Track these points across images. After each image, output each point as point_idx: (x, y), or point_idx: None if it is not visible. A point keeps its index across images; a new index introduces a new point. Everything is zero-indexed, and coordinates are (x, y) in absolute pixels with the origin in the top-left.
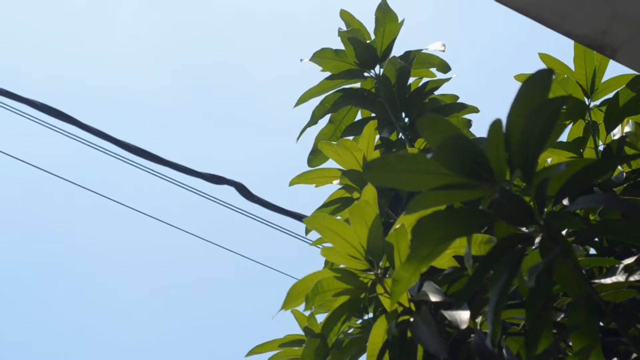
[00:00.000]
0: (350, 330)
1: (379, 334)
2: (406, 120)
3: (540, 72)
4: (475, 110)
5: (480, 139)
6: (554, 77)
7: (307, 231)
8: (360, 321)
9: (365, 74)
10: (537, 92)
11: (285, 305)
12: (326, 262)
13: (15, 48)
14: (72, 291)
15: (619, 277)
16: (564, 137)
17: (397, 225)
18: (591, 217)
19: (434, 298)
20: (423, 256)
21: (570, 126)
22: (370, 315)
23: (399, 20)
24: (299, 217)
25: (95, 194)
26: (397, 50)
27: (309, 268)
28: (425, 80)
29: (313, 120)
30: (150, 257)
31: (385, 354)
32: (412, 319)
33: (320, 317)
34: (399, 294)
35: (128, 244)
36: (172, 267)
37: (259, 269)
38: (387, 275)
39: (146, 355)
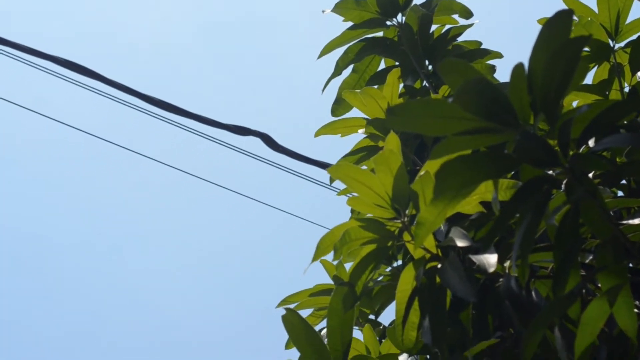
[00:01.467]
0: (380, 279)
1: (407, 280)
2: (430, 67)
3: (560, 13)
4: (499, 55)
5: (504, 84)
6: (574, 17)
7: (332, 180)
8: (389, 269)
9: (388, 23)
10: (558, 33)
11: (315, 257)
12: (353, 211)
13: (36, 6)
14: (97, 247)
15: None
16: (589, 80)
17: (422, 172)
18: (618, 159)
19: (461, 243)
20: (447, 200)
21: (595, 69)
22: (399, 262)
23: None
24: (325, 166)
25: (122, 148)
26: None
27: (336, 216)
28: (447, 27)
29: (337, 71)
30: (177, 210)
31: (415, 300)
32: (440, 265)
33: (349, 267)
34: (422, 237)
35: (155, 197)
36: (200, 219)
37: (287, 218)
38: (413, 223)
39: (174, 311)
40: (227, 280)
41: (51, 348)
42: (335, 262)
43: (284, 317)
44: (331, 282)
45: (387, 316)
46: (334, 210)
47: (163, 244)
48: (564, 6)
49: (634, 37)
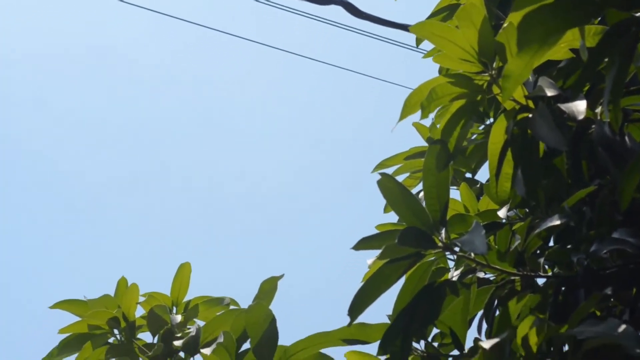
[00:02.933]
0: (473, 137)
1: (499, 133)
2: None
3: None
4: None
5: None
6: None
7: (418, 42)
8: (482, 127)
9: None
10: None
11: (402, 116)
12: (440, 70)
13: None
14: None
15: None
16: None
17: (506, 24)
18: None
19: (550, 93)
20: (533, 50)
21: None
22: (492, 121)
23: None
24: (408, 28)
25: (204, 27)
26: None
27: (423, 79)
28: None
29: None
30: (263, 83)
31: (507, 152)
32: (530, 116)
33: None
34: (510, 90)
35: (239, 72)
36: (288, 91)
37: (376, 84)
38: (501, 75)
39: (268, 180)
40: (318, 151)
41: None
42: (428, 125)
43: (379, 182)
44: (426, 144)
45: (484, 174)
46: (422, 73)
47: (253, 118)
48: None
49: None
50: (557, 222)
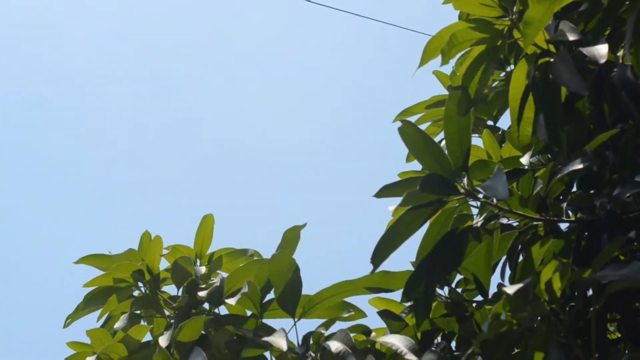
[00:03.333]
0: (494, 85)
1: (520, 77)
2: None
3: None
4: None
5: None
6: None
7: None
8: (503, 74)
9: None
10: None
11: (422, 61)
12: (460, 16)
13: None
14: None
15: None
16: None
17: None
18: None
19: (571, 37)
20: None
21: None
22: (513, 68)
23: None
24: None
25: None
26: None
27: (443, 26)
28: None
29: None
30: (284, 32)
31: (529, 96)
32: (551, 60)
33: None
34: (531, 36)
35: (262, 23)
36: (308, 41)
37: (395, 33)
38: (522, 20)
39: (290, 130)
40: (339, 100)
41: None
42: (449, 73)
43: (400, 129)
44: (446, 93)
45: (505, 122)
46: (441, 19)
47: (272, 68)
48: None
49: None
50: (580, 166)
